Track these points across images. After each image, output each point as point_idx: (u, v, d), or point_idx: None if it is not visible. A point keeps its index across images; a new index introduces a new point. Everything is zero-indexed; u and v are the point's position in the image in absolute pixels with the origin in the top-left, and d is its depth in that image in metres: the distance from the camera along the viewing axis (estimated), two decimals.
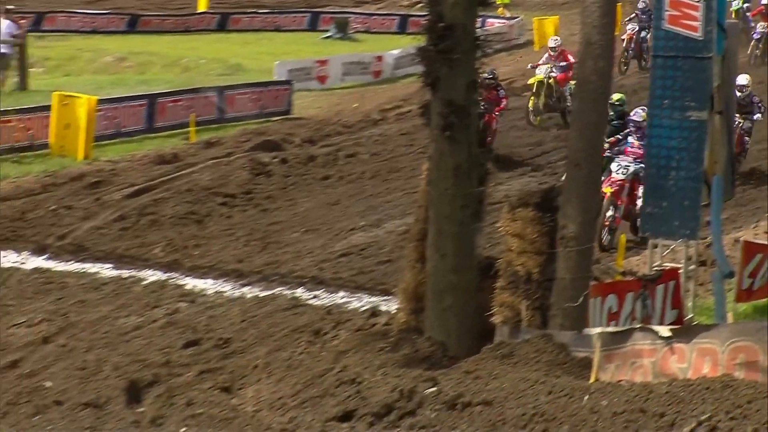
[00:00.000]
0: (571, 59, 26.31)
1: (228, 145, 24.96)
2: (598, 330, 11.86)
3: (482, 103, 22.20)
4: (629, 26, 33.79)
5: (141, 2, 49.13)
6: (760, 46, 34.98)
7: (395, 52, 36.95)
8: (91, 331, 14.87)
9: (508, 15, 45.88)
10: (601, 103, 12.69)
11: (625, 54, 33.22)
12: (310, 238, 18.64)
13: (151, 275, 16.86)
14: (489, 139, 22.94)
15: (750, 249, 14.49)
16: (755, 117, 22.43)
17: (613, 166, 18.38)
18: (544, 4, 49.44)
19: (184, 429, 11.59)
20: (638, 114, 18.72)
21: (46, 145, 24.19)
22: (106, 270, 17.17)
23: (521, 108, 27.01)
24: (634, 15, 34.20)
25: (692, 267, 13.78)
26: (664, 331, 11.31)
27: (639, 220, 16.68)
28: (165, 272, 16.99)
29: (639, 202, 16.94)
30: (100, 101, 25.02)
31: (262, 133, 26.31)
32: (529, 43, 42.07)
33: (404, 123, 25.84)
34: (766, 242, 15.82)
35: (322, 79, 34.84)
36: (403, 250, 14.85)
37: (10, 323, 15.23)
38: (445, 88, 12.80)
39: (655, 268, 13.59)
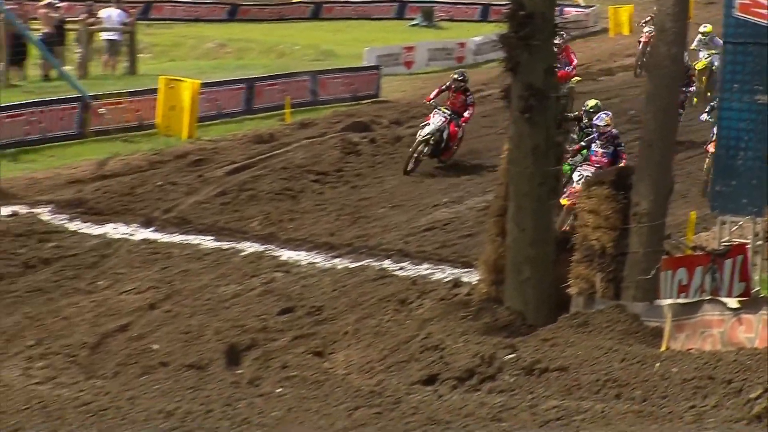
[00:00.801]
0: (574, 59, 25.61)
1: (320, 126, 24.96)
2: (669, 301, 11.77)
3: (446, 111, 20.74)
4: (646, 29, 29.23)
5: None
6: None
7: (477, 38, 36.70)
8: (193, 298, 15.01)
9: (584, 4, 45.40)
10: (674, 87, 12.65)
11: (642, 57, 29.21)
12: (397, 213, 18.62)
13: (249, 247, 16.95)
14: (454, 147, 20.85)
15: None
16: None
17: (575, 176, 16.59)
18: None
19: (279, 389, 11.67)
20: (601, 118, 16.82)
21: (153, 125, 24.38)
22: (207, 241, 17.29)
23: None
24: (649, 18, 29.14)
25: (759, 242, 13.58)
26: (733, 302, 11.19)
27: None
28: (262, 244, 17.07)
29: None
30: (203, 85, 25.16)
31: (352, 114, 26.29)
32: (605, 30, 41.58)
33: (485, 106, 25.58)
34: None
35: (408, 64, 34.72)
36: (484, 224, 14.78)
37: (121, 290, 15.41)
38: (525, 72, 12.74)
39: (724, 244, 13.41)
